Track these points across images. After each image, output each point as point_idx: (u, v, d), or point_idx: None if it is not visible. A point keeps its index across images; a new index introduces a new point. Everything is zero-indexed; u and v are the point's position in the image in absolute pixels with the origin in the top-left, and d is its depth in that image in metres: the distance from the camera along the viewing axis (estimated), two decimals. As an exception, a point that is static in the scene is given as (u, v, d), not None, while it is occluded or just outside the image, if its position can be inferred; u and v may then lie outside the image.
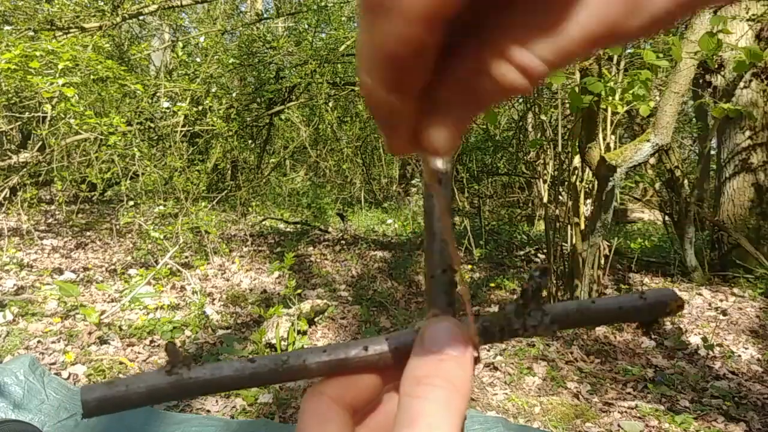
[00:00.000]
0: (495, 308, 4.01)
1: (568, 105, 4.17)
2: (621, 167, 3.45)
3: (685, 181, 4.94)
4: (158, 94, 6.31)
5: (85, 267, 4.81)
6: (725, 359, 3.24)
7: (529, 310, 0.33)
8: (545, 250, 4.74)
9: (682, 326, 3.69)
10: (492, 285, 4.67)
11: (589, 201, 4.28)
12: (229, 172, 9.19)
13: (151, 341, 3.30)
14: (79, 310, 3.52)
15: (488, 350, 3.25)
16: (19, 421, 2.15)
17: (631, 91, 3.24)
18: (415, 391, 0.30)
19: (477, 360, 0.32)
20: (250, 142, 8.76)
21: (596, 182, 3.84)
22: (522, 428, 2.44)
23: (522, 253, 5.85)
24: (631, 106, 3.50)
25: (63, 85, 4.22)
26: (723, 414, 2.61)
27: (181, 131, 6.34)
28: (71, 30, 5.44)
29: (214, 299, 4.16)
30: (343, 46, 7.24)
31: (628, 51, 3.95)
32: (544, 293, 0.34)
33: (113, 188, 7.28)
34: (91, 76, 4.94)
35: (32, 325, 3.37)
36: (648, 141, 3.41)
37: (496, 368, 3.08)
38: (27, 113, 5.22)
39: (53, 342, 3.15)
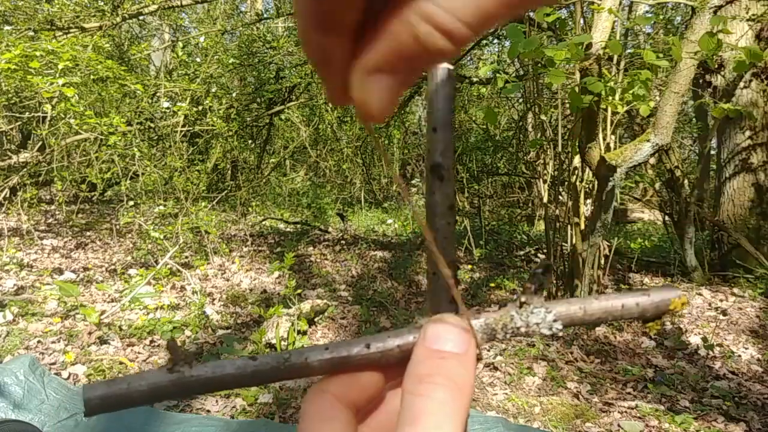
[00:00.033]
0: (495, 308, 4.00)
1: (568, 105, 4.17)
2: (621, 167, 3.45)
3: (685, 181, 4.94)
4: (158, 94, 6.31)
5: (85, 267, 4.81)
6: (725, 359, 3.24)
7: (532, 307, 0.33)
8: (545, 250, 4.74)
9: (682, 326, 3.69)
10: (492, 285, 4.67)
11: (589, 201, 4.27)
12: (229, 172, 9.20)
13: (151, 341, 3.29)
14: (79, 310, 3.52)
15: (488, 350, 3.25)
16: (19, 421, 2.14)
17: (631, 91, 3.24)
18: (417, 389, 0.30)
19: (479, 358, 0.32)
20: (250, 142, 8.76)
21: (596, 182, 3.84)
22: (522, 428, 2.44)
23: (522, 253, 5.85)
24: (631, 106, 3.50)
25: (63, 85, 4.22)
26: (723, 414, 2.61)
27: (181, 131, 6.33)
28: (71, 30, 5.43)
29: (214, 299, 4.16)
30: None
31: (628, 51, 3.95)
32: (544, 293, 0.34)
33: (113, 188, 7.28)
34: (91, 76, 4.94)
35: (32, 325, 3.37)
36: (648, 141, 3.40)
37: (496, 368, 3.08)
38: (27, 113, 5.22)
39: (53, 342, 3.14)
